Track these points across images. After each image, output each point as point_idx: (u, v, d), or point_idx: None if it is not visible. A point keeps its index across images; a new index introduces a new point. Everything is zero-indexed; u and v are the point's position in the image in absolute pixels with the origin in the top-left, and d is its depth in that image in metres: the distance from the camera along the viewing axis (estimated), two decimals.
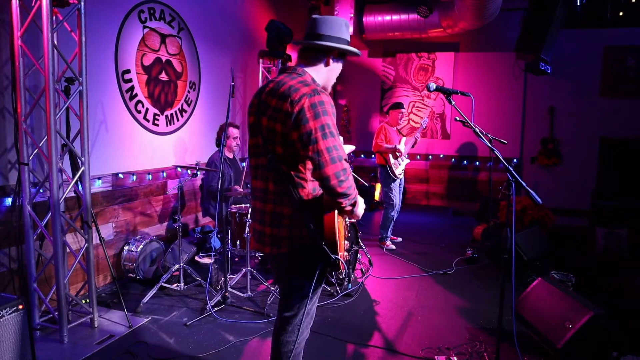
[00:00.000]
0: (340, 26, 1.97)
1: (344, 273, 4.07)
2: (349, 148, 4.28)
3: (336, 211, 1.82)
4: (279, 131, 1.83)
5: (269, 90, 1.91)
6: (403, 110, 5.54)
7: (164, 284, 3.83)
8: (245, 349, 3.02)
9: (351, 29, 6.96)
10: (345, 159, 1.79)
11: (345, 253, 2.03)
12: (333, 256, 1.81)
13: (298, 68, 1.96)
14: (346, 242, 2.07)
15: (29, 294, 3.07)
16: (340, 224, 1.89)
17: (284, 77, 1.90)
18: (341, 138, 2.65)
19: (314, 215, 1.84)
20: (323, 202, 1.86)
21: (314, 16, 2.00)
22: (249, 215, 3.90)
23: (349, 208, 1.86)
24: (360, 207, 1.95)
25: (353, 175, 5.35)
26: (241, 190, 4.35)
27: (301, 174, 1.87)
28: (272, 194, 1.91)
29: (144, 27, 4.29)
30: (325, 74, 2.02)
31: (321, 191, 1.89)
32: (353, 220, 4.35)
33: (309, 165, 1.84)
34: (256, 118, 1.93)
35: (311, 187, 1.88)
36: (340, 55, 2.02)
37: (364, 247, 4.67)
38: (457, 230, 6.76)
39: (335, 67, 2.04)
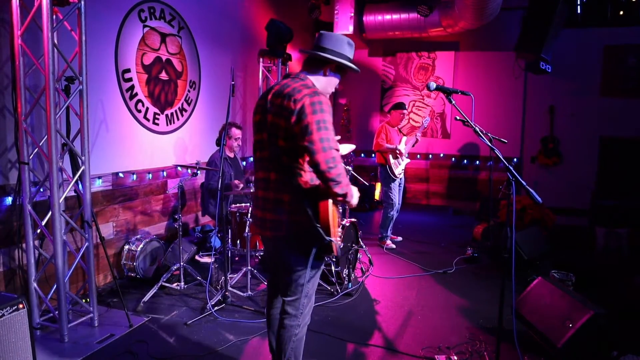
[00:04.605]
0: (342, 43, 2.20)
1: (345, 272, 4.08)
2: (349, 147, 4.28)
3: (330, 200, 2.03)
4: (282, 126, 2.03)
5: (274, 92, 2.12)
6: (405, 111, 5.56)
7: (164, 283, 3.84)
8: (245, 348, 3.02)
9: (351, 28, 6.95)
10: (336, 149, 1.98)
11: (339, 239, 2.21)
12: (327, 238, 2.01)
13: (301, 74, 2.20)
14: (339, 229, 2.28)
15: (29, 293, 3.07)
16: (334, 212, 2.09)
17: (289, 81, 2.13)
18: (338, 137, 2.71)
19: (310, 201, 2.05)
20: (319, 191, 2.06)
21: (321, 31, 2.23)
22: (249, 215, 3.90)
23: (340, 196, 2.04)
24: (355, 197, 2.15)
25: (353, 175, 5.34)
26: (242, 185, 4.35)
27: (300, 165, 2.07)
28: (274, 183, 2.12)
29: (144, 26, 4.28)
30: (323, 83, 2.23)
31: (318, 181, 2.08)
32: (354, 220, 4.37)
33: (307, 157, 2.03)
34: (262, 116, 2.16)
35: (308, 177, 2.08)
36: (337, 68, 2.24)
37: (364, 247, 4.68)
38: (457, 229, 6.76)
39: (333, 78, 2.25)
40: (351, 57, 2.24)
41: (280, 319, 2.26)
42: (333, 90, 2.32)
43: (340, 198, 2.05)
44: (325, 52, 2.18)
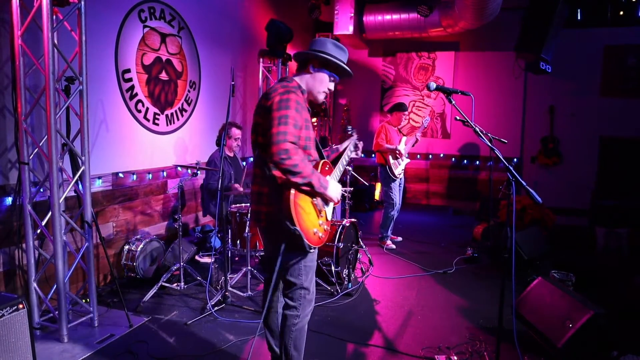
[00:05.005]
0: (325, 43, 2.33)
1: (345, 272, 4.08)
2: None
3: (292, 190, 2.11)
4: (260, 123, 2.22)
5: (263, 94, 2.31)
6: (406, 112, 5.61)
7: (164, 284, 3.83)
8: (245, 348, 3.02)
9: (351, 28, 6.96)
10: (291, 142, 2.06)
11: (317, 231, 2.22)
12: (292, 227, 2.09)
13: (289, 77, 2.35)
14: (321, 222, 2.28)
15: (29, 293, 3.08)
16: (297, 201, 2.14)
17: (276, 84, 2.28)
18: (352, 142, 2.70)
19: (280, 193, 2.16)
20: (289, 183, 2.15)
21: None
22: (248, 215, 3.91)
23: (304, 186, 2.10)
24: (331, 190, 2.22)
25: (353, 175, 5.35)
26: (241, 189, 4.35)
27: None
28: (258, 177, 2.29)
29: (144, 26, 4.28)
30: (309, 80, 2.35)
31: None
32: (354, 220, 4.37)
33: None
34: (253, 117, 2.34)
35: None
36: (322, 64, 2.33)
37: (364, 247, 4.68)
38: (457, 229, 6.76)
39: (318, 75, 2.34)
40: (336, 55, 2.32)
41: (282, 311, 2.38)
42: (325, 88, 2.36)
43: (306, 188, 2.12)
44: (307, 51, 2.33)
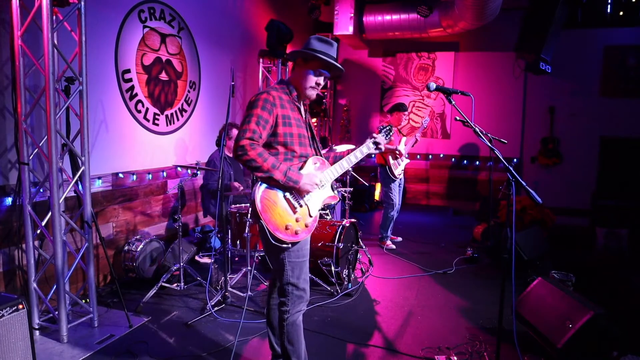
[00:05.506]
0: (309, 40, 2.35)
1: (345, 273, 4.07)
2: (348, 148, 4.26)
3: (259, 183, 2.20)
4: None
5: None
6: (406, 112, 5.60)
7: (164, 284, 3.83)
8: (245, 348, 3.02)
9: (351, 29, 6.96)
10: (248, 138, 2.14)
11: (291, 225, 2.23)
12: (257, 221, 2.21)
13: (283, 79, 2.42)
14: (298, 216, 2.28)
15: (29, 293, 3.07)
16: (277, 196, 2.22)
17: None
18: (352, 146, 2.69)
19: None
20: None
21: None
22: (248, 215, 3.90)
23: (270, 181, 2.18)
24: (303, 184, 2.23)
25: (353, 175, 5.34)
26: (241, 187, 4.35)
27: None
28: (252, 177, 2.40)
29: (144, 26, 4.29)
30: (296, 79, 2.38)
31: None
32: (354, 220, 4.37)
33: None
34: None
35: None
36: (305, 60, 2.33)
37: (364, 247, 4.68)
38: (457, 230, 6.76)
39: (302, 72, 2.34)
40: (320, 49, 2.30)
41: (278, 306, 2.43)
42: (312, 83, 2.34)
43: (273, 182, 2.19)
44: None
